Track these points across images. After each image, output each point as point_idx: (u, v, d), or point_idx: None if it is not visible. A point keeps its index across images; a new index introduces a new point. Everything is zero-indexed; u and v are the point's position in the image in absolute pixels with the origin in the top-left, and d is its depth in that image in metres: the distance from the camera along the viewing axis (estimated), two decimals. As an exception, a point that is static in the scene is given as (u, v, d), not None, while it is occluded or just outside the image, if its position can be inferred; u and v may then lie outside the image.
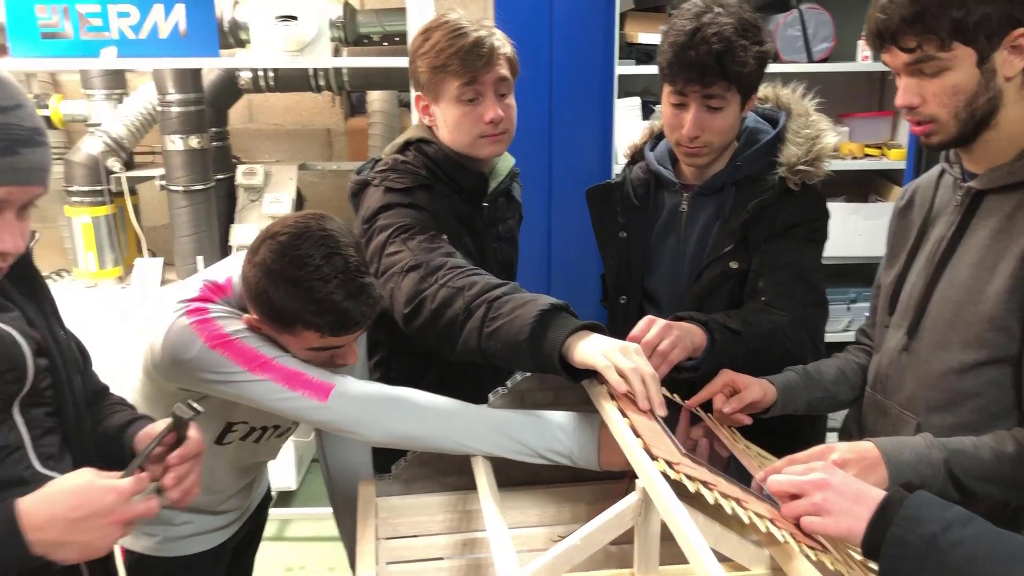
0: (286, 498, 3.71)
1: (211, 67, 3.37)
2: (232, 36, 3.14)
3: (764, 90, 1.85)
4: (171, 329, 1.42)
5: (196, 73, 3.25)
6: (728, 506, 1.09)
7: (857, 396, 1.61)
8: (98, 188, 3.36)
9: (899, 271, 1.52)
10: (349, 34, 3.24)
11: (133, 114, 3.37)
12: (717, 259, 1.76)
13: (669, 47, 1.66)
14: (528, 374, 1.54)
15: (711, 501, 1.10)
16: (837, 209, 3.38)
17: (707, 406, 1.54)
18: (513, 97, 1.81)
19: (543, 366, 1.40)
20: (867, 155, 3.45)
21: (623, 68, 3.17)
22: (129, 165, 3.47)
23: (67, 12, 2.77)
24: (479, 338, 1.46)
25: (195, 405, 1.16)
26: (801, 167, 1.73)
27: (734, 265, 1.74)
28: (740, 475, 1.29)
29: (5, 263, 1.12)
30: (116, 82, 3.47)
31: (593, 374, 1.38)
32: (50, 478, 1.16)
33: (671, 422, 1.39)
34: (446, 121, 1.77)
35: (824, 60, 3.32)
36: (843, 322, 3.47)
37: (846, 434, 1.65)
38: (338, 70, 3.39)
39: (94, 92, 3.44)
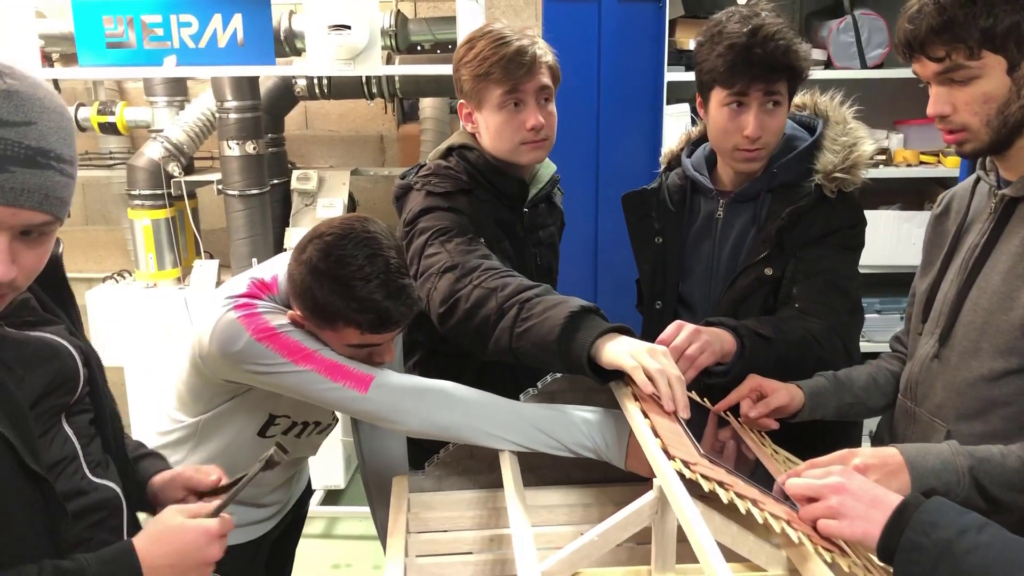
0: (334, 496, 3.77)
1: (267, 75, 3.47)
2: (288, 45, 3.23)
3: (802, 97, 1.86)
4: (219, 323, 1.49)
5: (253, 81, 3.34)
6: (743, 506, 1.11)
7: (889, 403, 1.60)
8: (159, 192, 3.47)
9: (933, 278, 1.51)
10: (401, 42, 3.31)
11: (192, 120, 3.47)
12: (752, 265, 1.76)
13: (727, 49, 1.65)
14: (559, 375, 1.57)
15: (725, 501, 1.11)
16: (891, 217, 3.37)
17: (736, 411, 1.55)
18: (554, 105, 1.84)
19: (572, 367, 1.43)
20: (922, 162, 3.39)
21: (672, 74, 3.16)
22: (189, 170, 3.58)
23: (131, 23, 2.90)
24: (510, 338, 1.50)
25: (286, 447, 1.23)
26: (837, 175, 1.72)
27: (769, 271, 1.74)
28: (767, 479, 1.29)
29: None
30: (177, 89, 3.59)
31: (621, 376, 1.41)
32: (102, 486, 1.20)
33: (699, 425, 1.41)
34: (488, 128, 1.81)
35: (878, 66, 3.28)
36: (895, 331, 3.40)
37: (879, 441, 1.64)
38: (390, 78, 3.46)
39: (157, 99, 3.56)
